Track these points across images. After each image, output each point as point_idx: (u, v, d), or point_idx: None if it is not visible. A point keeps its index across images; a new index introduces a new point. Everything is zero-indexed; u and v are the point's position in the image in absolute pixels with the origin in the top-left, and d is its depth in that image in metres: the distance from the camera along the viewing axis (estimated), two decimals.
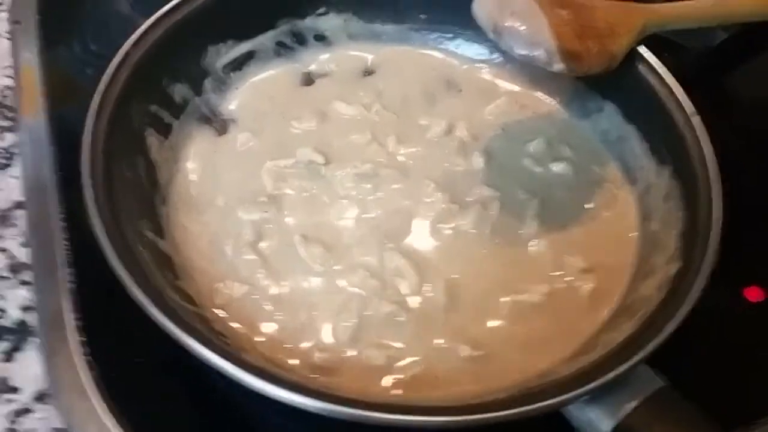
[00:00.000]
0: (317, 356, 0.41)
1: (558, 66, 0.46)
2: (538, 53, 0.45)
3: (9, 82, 0.58)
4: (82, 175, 0.41)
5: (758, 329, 0.47)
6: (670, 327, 0.37)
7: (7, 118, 0.55)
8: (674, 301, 0.38)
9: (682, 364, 0.39)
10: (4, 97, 0.57)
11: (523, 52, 0.46)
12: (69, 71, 0.59)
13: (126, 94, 0.46)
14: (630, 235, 0.47)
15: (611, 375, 0.35)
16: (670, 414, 0.35)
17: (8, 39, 0.60)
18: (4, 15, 0.62)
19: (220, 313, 0.42)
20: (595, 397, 0.35)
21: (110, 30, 0.63)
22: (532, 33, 0.45)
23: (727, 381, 0.43)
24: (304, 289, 0.44)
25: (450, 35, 0.59)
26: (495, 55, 0.58)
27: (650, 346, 0.36)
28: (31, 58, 0.59)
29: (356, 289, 0.44)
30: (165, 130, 0.50)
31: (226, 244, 0.45)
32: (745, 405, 0.42)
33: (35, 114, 0.54)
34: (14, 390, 0.41)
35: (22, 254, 0.47)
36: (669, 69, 0.49)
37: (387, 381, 0.40)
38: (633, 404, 0.35)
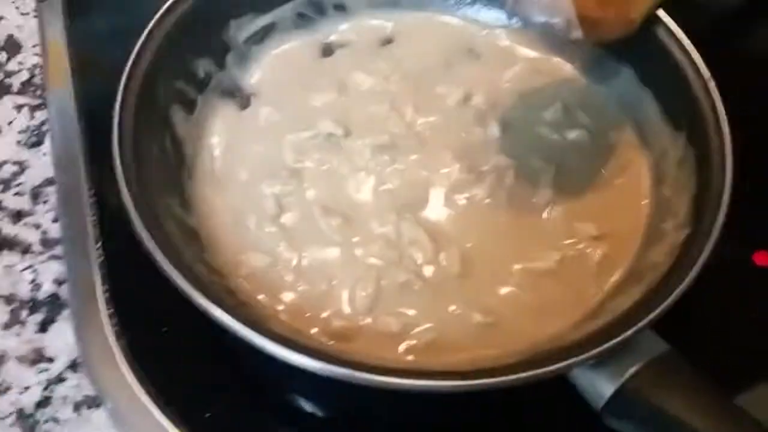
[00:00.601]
0: (336, 324, 0.43)
1: (576, 33, 0.46)
2: (557, 21, 0.46)
3: (37, 60, 0.60)
4: (112, 154, 0.42)
5: (766, 294, 0.48)
6: (676, 293, 0.38)
7: (36, 97, 0.57)
8: (681, 268, 0.39)
9: (689, 329, 0.41)
10: (33, 76, 0.59)
11: (542, 19, 0.46)
12: (95, 46, 0.60)
13: (152, 71, 0.47)
14: (642, 202, 0.48)
15: (615, 341, 0.36)
16: (673, 377, 0.36)
17: (35, 17, 0.63)
18: None
19: (244, 283, 0.44)
20: (600, 361, 0.36)
21: (134, 4, 0.65)
22: (551, 0, 0.45)
23: (732, 346, 0.44)
24: (324, 260, 0.45)
25: (469, 0, 0.59)
26: (514, 21, 0.58)
27: (655, 312, 0.37)
28: (57, 33, 0.61)
29: (374, 259, 0.45)
30: (190, 106, 0.51)
31: (249, 218, 0.47)
32: (749, 370, 0.43)
33: (63, 89, 0.56)
34: (49, 360, 0.44)
35: (54, 229, 0.49)
36: (687, 31, 0.49)
37: (402, 347, 0.42)
38: (636, 368, 0.36)
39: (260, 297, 0.44)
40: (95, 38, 0.61)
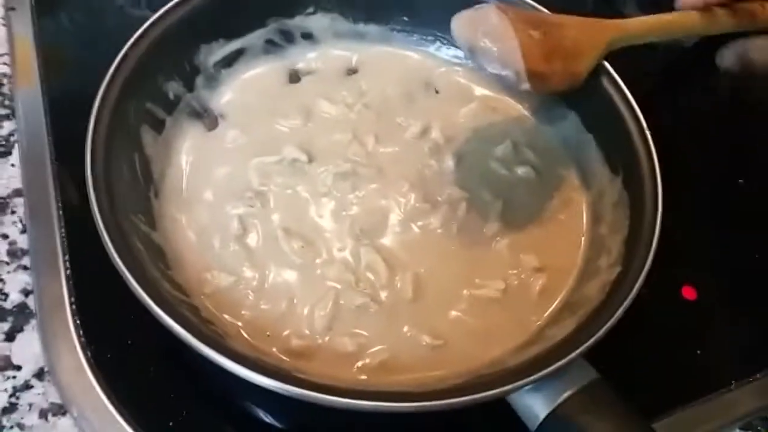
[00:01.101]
0: (295, 343, 0.45)
1: (525, 86, 0.50)
2: (508, 73, 0.49)
3: (6, 69, 0.61)
4: (85, 173, 0.44)
5: (690, 325, 0.53)
6: (606, 327, 0.42)
7: (4, 106, 0.58)
8: (612, 304, 0.43)
9: (618, 358, 0.45)
10: (1, 85, 0.60)
11: (495, 71, 0.50)
12: (63, 54, 0.62)
13: (125, 91, 0.49)
14: (580, 237, 0.52)
15: (550, 368, 0.40)
16: (600, 403, 0.40)
17: (4, 25, 0.64)
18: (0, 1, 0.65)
19: (208, 301, 0.46)
20: (536, 385, 0.40)
21: (103, 12, 0.67)
22: (504, 54, 0.49)
23: (657, 372, 0.49)
24: (285, 281, 0.48)
25: (430, 38, 0.63)
26: (470, 61, 0.62)
27: (587, 344, 0.41)
28: (26, 41, 0.62)
29: (332, 282, 0.48)
30: (159, 126, 0.53)
31: (213, 237, 0.50)
32: (670, 396, 0.48)
33: (31, 99, 0.58)
34: (16, 367, 0.45)
35: (22, 240, 0.51)
36: (628, 83, 0.53)
37: (356, 366, 0.45)
38: (568, 393, 0.40)
39: (223, 315, 0.46)
40: (64, 46, 0.63)
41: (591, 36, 0.53)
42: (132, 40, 0.51)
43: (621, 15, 0.72)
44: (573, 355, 0.40)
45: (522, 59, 0.48)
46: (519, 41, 0.48)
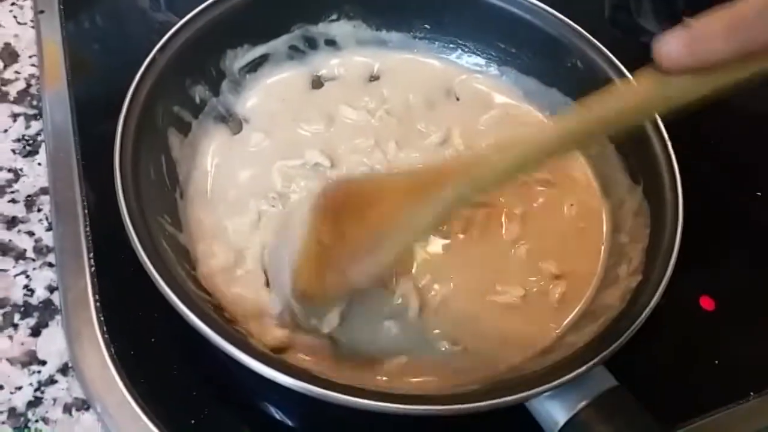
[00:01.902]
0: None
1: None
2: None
3: (34, 71, 0.62)
4: (113, 173, 0.45)
5: (708, 335, 0.53)
6: (626, 335, 0.42)
7: (32, 106, 0.59)
8: (632, 313, 0.44)
9: (637, 366, 0.45)
10: (29, 85, 0.61)
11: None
12: (92, 57, 0.63)
13: (153, 95, 0.50)
14: (600, 245, 0.53)
15: (571, 375, 0.40)
16: (619, 411, 0.40)
17: (32, 27, 0.65)
18: (29, 4, 0.67)
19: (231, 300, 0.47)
20: (556, 392, 0.40)
21: (131, 17, 0.68)
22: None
23: (676, 383, 0.49)
24: None
25: (451, 46, 0.64)
26: (492, 68, 0.63)
27: (607, 352, 0.41)
28: (55, 44, 0.63)
29: None
30: (185, 129, 0.54)
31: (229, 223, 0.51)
32: (688, 405, 0.48)
33: (59, 101, 0.59)
34: (41, 362, 0.46)
35: (47, 237, 0.52)
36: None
37: (380, 370, 0.46)
38: (587, 401, 0.40)
39: (245, 314, 0.47)
40: (92, 49, 0.64)
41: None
42: (160, 43, 0.52)
43: (636, 25, 0.73)
44: (593, 362, 0.41)
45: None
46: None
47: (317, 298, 0.44)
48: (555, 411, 0.40)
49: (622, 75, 0.55)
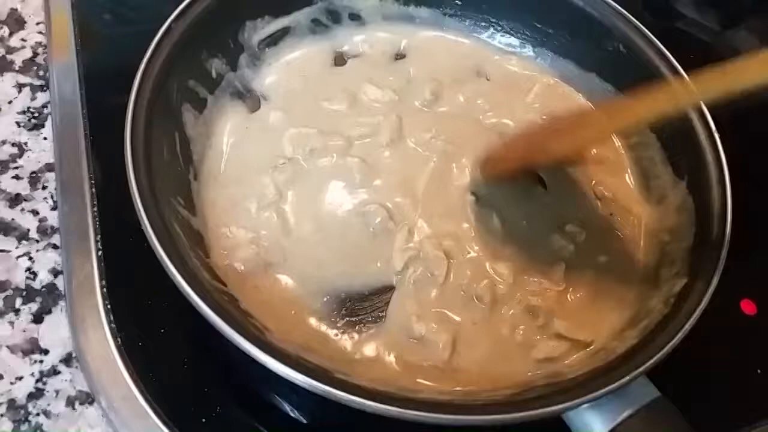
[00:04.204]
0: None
1: None
2: None
3: (41, 38, 0.59)
4: (124, 150, 0.42)
5: (750, 341, 0.50)
6: (671, 344, 0.39)
7: (39, 77, 0.56)
8: (677, 319, 0.41)
9: (678, 375, 0.42)
10: (36, 54, 0.58)
11: None
12: (101, 24, 0.60)
13: (168, 66, 0.47)
14: (640, 245, 0.49)
15: (612, 386, 0.37)
16: (661, 424, 0.38)
17: None
18: None
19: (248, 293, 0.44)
20: (595, 403, 0.37)
21: None
22: None
23: (718, 393, 0.46)
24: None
25: (483, 24, 0.60)
26: (526, 48, 0.60)
27: (651, 361, 0.38)
28: (63, 10, 0.59)
29: None
30: (200, 105, 0.51)
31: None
32: (732, 417, 0.45)
33: (66, 70, 0.55)
34: (43, 351, 0.43)
35: (52, 217, 0.49)
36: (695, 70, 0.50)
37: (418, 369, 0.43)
38: (628, 412, 0.37)
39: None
40: (103, 17, 0.60)
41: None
42: (176, 12, 0.49)
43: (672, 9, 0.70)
44: (636, 372, 0.38)
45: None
46: None
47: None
48: (594, 422, 0.38)
49: (667, 62, 0.51)
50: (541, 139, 0.48)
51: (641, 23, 0.54)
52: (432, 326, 0.44)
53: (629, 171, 0.54)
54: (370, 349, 0.44)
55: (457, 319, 0.45)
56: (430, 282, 0.46)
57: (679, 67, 0.51)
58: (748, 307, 0.51)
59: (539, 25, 0.58)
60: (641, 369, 0.38)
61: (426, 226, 0.48)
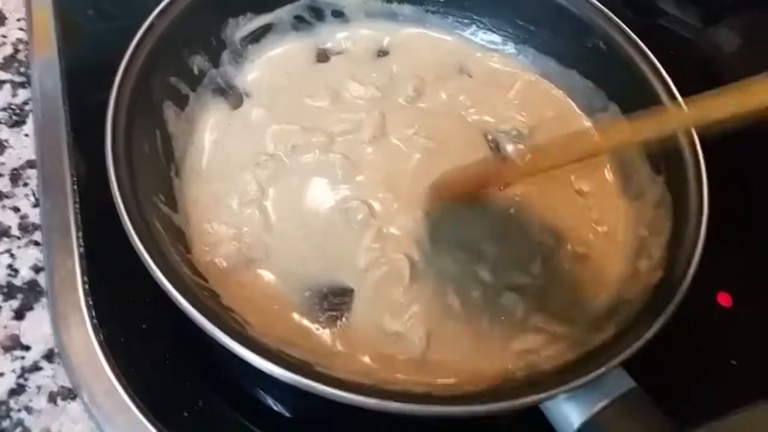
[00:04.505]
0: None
1: None
2: None
3: (22, 35, 0.58)
4: (104, 147, 0.42)
5: (726, 333, 0.51)
6: (647, 336, 0.40)
7: (20, 73, 0.56)
8: (654, 310, 0.41)
9: (653, 366, 0.43)
10: (17, 51, 0.57)
11: None
12: (82, 19, 0.60)
13: (149, 63, 0.47)
14: (618, 239, 0.50)
15: (589, 377, 0.38)
16: (637, 414, 0.38)
17: None
18: None
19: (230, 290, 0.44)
20: (572, 393, 0.38)
21: None
22: None
23: (693, 383, 0.47)
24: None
25: (466, 21, 0.61)
26: (508, 45, 0.60)
27: (627, 353, 0.39)
28: (44, 3, 0.59)
29: None
30: (182, 102, 0.51)
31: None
32: (706, 407, 0.46)
33: (48, 66, 0.55)
34: (24, 347, 0.43)
35: (33, 214, 0.48)
36: (674, 77, 0.51)
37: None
38: (604, 402, 0.38)
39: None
40: (85, 13, 0.60)
41: None
42: (158, 9, 0.49)
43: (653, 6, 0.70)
44: (611, 363, 0.39)
45: None
46: None
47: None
48: (571, 413, 0.38)
49: (647, 59, 0.52)
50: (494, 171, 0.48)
51: (623, 20, 0.55)
52: (406, 321, 0.44)
53: (608, 167, 0.54)
54: (347, 344, 0.44)
55: (433, 313, 0.45)
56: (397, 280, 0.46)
57: (659, 64, 0.52)
58: (724, 299, 0.52)
59: (521, 23, 0.59)
60: (617, 360, 0.38)
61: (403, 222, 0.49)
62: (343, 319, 0.45)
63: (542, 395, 0.37)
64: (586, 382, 0.38)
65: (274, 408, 0.44)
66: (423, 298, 0.46)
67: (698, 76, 0.67)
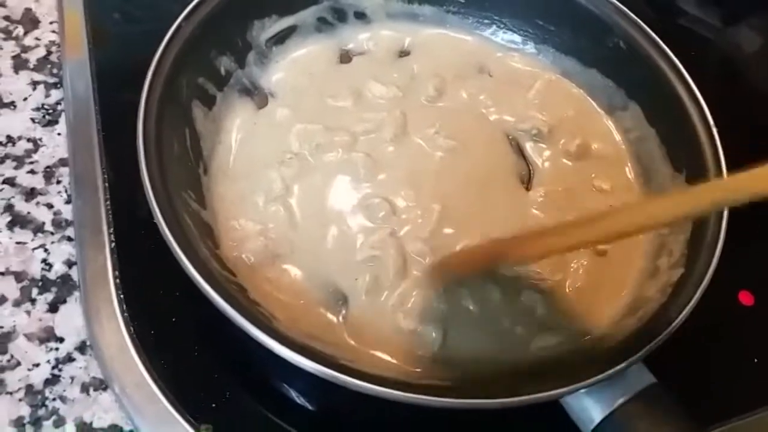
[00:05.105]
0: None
1: None
2: None
3: (54, 37, 0.60)
4: (137, 145, 0.43)
5: (747, 332, 0.51)
6: (667, 331, 0.40)
7: (52, 74, 0.58)
8: (674, 307, 0.42)
9: (675, 362, 0.43)
10: (50, 53, 0.59)
11: None
12: (113, 24, 0.61)
13: (178, 64, 0.48)
14: (639, 236, 0.50)
15: (610, 371, 0.38)
16: (657, 409, 0.39)
17: None
18: None
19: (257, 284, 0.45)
20: (593, 388, 0.38)
21: None
22: None
23: (714, 380, 0.47)
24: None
25: (486, 21, 0.61)
26: (528, 45, 0.61)
27: (647, 347, 0.40)
28: (75, 7, 0.61)
29: None
30: (209, 102, 0.52)
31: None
32: (728, 404, 0.46)
33: (80, 69, 0.56)
34: (58, 339, 0.45)
35: (66, 210, 0.50)
36: (695, 77, 0.51)
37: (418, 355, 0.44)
38: (625, 398, 0.38)
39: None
40: (114, 17, 0.62)
41: None
42: (185, 12, 0.50)
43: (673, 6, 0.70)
44: (633, 358, 0.39)
45: None
46: None
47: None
48: (592, 407, 0.39)
49: (667, 59, 0.52)
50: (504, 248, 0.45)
51: (643, 20, 0.55)
52: (419, 320, 0.45)
53: (629, 165, 0.55)
54: (364, 340, 0.45)
55: (450, 311, 0.46)
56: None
57: (679, 64, 0.52)
58: (746, 298, 0.52)
59: (541, 23, 0.59)
60: (637, 356, 0.39)
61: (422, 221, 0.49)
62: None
63: (563, 390, 0.38)
64: (606, 377, 0.38)
65: (298, 401, 0.45)
66: (441, 296, 0.46)
67: (718, 76, 0.67)
